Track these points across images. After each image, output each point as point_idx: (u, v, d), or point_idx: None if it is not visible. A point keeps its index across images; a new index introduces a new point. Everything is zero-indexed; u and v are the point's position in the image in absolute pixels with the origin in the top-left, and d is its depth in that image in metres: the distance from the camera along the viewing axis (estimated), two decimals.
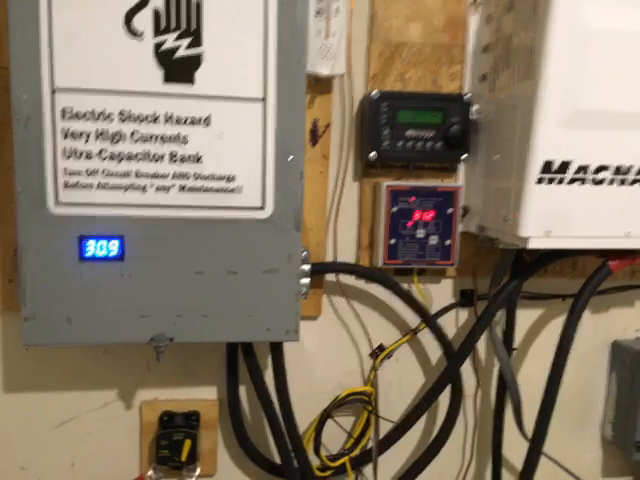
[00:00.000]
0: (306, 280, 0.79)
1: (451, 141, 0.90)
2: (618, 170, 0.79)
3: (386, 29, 0.90)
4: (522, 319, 1.02)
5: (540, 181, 0.78)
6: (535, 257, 0.93)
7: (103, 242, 0.72)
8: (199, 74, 0.70)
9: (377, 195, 0.92)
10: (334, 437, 1.01)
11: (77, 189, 0.70)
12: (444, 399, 0.98)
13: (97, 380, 0.94)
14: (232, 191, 0.73)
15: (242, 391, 0.96)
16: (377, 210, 0.92)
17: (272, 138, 0.73)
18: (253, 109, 0.72)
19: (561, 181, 0.78)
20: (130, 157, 0.71)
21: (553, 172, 0.78)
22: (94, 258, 0.72)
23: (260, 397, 0.89)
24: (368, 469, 1.01)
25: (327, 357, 0.99)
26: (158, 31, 0.68)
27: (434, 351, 1.00)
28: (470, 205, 0.94)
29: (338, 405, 0.97)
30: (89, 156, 0.70)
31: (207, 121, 0.71)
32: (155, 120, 0.70)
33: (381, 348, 0.99)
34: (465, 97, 0.90)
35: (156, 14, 0.68)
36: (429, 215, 0.91)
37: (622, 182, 0.80)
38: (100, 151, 0.70)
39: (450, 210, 0.92)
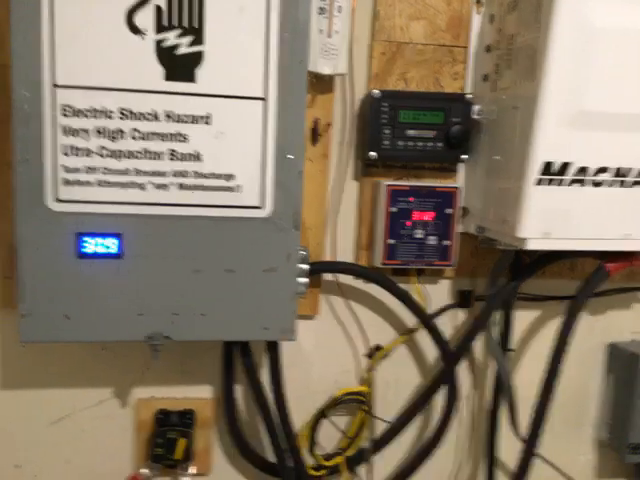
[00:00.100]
0: (304, 279, 0.78)
1: (452, 141, 0.90)
2: (618, 172, 0.79)
3: (388, 28, 0.89)
4: (519, 320, 1.02)
5: (540, 182, 0.78)
6: (534, 258, 0.93)
7: (101, 239, 0.71)
8: (200, 72, 0.70)
9: (377, 195, 0.92)
10: (329, 436, 1.00)
11: (76, 186, 0.70)
12: (439, 399, 0.98)
13: (94, 377, 0.93)
14: (231, 190, 0.73)
15: (238, 390, 0.96)
16: (376, 210, 0.92)
17: (272, 137, 0.73)
18: (254, 108, 0.72)
19: (561, 182, 0.78)
20: (130, 155, 0.70)
21: (553, 173, 0.78)
22: (92, 255, 0.72)
23: (256, 396, 0.89)
24: (363, 469, 1.02)
25: (324, 357, 0.99)
26: (160, 28, 0.68)
27: (431, 351, 1.00)
28: (470, 206, 0.94)
29: (334, 405, 0.97)
30: (89, 153, 0.69)
31: (207, 119, 0.71)
32: (155, 118, 0.70)
33: (378, 348, 0.99)
34: (467, 97, 0.90)
35: (158, 11, 0.67)
36: (428, 215, 0.91)
37: (622, 184, 0.80)
38: (100, 148, 0.70)
39: (449, 210, 0.92)
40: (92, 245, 0.71)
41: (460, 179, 0.95)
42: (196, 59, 0.69)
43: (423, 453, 0.99)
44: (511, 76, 0.83)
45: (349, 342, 0.99)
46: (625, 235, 0.82)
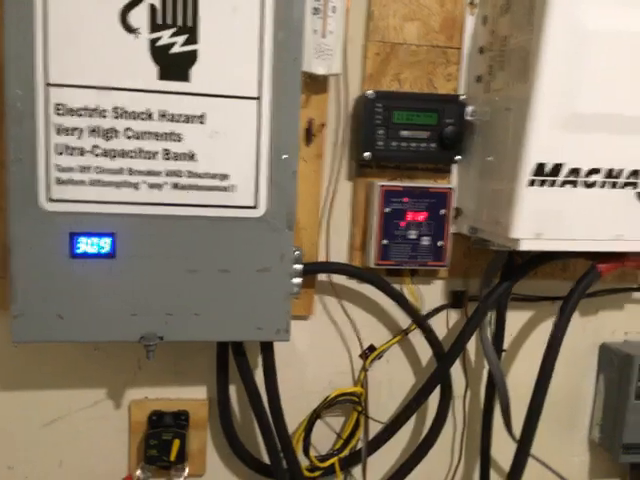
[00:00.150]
0: (298, 280, 0.78)
1: (445, 142, 0.90)
2: (610, 173, 0.80)
3: (382, 28, 0.89)
4: (512, 321, 1.02)
5: (532, 183, 0.78)
6: (526, 259, 0.93)
7: (95, 239, 0.71)
8: (194, 71, 0.69)
9: (370, 195, 0.92)
10: (324, 437, 1.00)
11: (69, 185, 0.69)
12: (433, 400, 0.98)
13: (87, 378, 0.93)
14: (225, 189, 0.73)
15: (232, 391, 0.96)
16: (370, 210, 0.92)
17: (266, 137, 0.73)
18: (248, 107, 0.72)
19: (553, 183, 0.79)
20: (123, 154, 0.70)
21: (545, 174, 0.78)
22: (85, 255, 0.71)
23: (250, 397, 0.89)
24: (357, 470, 1.01)
25: (318, 357, 0.99)
26: (154, 27, 0.68)
27: (424, 352, 1.00)
28: (463, 206, 0.94)
29: (328, 405, 0.97)
30: (82, 152, 0.69)
31: (202, 119, 0.71)
32: (149, 117, 0.70)
33: (372, 348, 0.99)
34: (460, 98, 0.90)
35: (152, 10, 0.67)
36: (422, 216, 0.91)
37: (614, 185, 0.80)
38: (93, 147, 0.69)
39: (443, 211, 0.92)
40: (85, 245, 0.71)
41: (453, 180, 0.95)
42: (190, 58, 0.69)
43: (418, 453, 0.99)
44: (504, 78, 0.83)
45: (343, 342, 0.99)
46: (617, 236, 0.82)
